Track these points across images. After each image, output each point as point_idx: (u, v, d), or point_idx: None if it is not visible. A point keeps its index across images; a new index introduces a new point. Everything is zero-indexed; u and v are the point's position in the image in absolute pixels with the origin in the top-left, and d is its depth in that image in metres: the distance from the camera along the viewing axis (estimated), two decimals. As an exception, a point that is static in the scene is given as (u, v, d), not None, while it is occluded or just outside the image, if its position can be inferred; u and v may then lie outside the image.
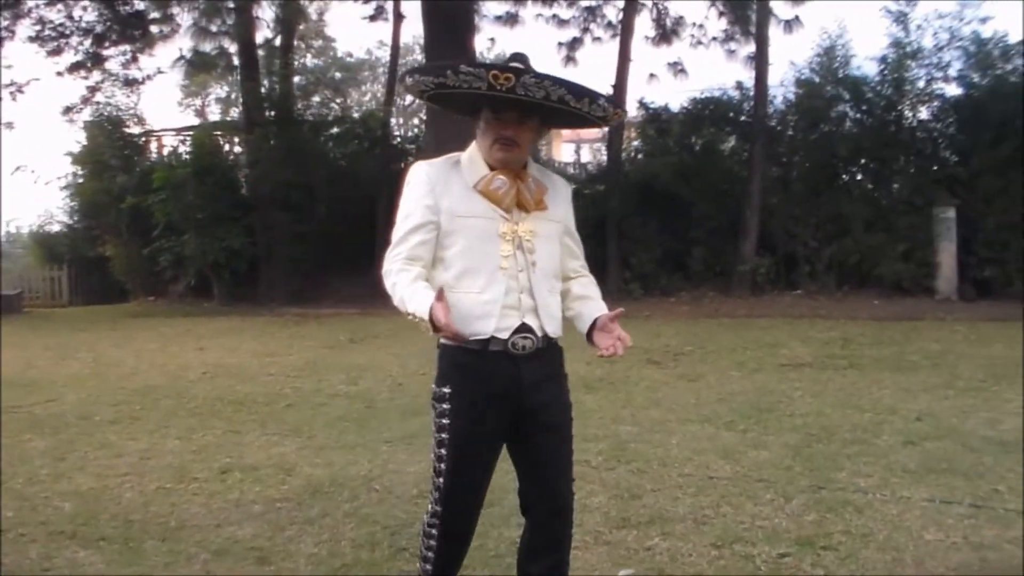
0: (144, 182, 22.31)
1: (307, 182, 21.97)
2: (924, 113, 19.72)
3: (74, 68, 23.24)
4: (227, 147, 24.78)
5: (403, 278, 3.18)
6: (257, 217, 21.97)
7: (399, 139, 25.69)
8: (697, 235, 19.95)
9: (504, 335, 3.22)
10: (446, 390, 3.28)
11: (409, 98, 41.82)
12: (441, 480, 3.32)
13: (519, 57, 3.20)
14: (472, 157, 3.34)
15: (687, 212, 19.95)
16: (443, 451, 3.30)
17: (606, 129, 20.35)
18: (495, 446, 3.37)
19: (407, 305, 3.09)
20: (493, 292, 3.22)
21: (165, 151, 25.71)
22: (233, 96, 27.37)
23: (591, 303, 3.48)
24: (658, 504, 5.36)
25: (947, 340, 12.34)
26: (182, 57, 21.47)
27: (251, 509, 5.49)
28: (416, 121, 32.57)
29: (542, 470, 3.38)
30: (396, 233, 3.31)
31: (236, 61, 22.75)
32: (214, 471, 6.42)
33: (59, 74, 23.29)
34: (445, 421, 3.28)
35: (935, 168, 19.07)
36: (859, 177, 20.41)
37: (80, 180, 25.24)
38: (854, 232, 18.49)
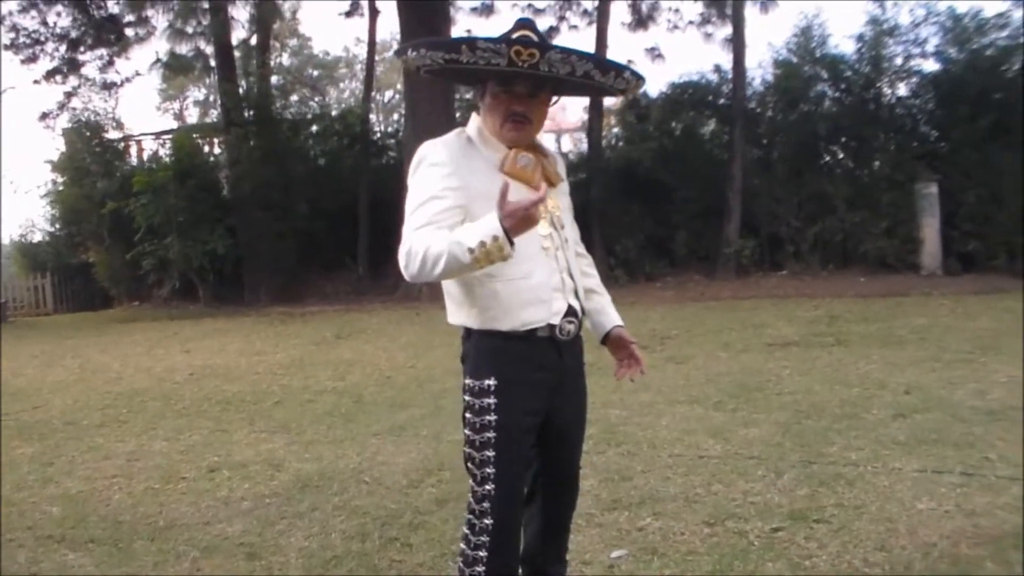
0: (125, 187, 22.21)
1: (287, 181, 21.90)
2: (903, 90, 19.80)
3: (50, 75, 23.12)
4: (207, 149, 24.72)
5: (437, 235, 2.75)
6: (239, 217, 21.89)
7: (379, 135, 25.59)
8: (680, 219, 19.99)
9: (554, 320, 2.97)
10: (490, 382, 2.94)
11: (388, 93, 42.01)
12: (491, 488, 2.95)
13: (527, 23, 2.92)
14: (482, 133, 3.05)
15: (669, 197, 19.99)
16: (489, 453, 2.95)
17: (586, 117, 20.28)
18: (533, 443, 3.09)
19: (465, 243, 2.65)
20: (541, 275, 2.96)
21: (145, 155, 25.59)
22: (211, 98, 27.28)
23: (601, 301, 3.35)
24: (649, 485, 5.33)
25: (933, 314, 12.34)
26: (158, 60, 21.36)
27: (240, 506, 5.45)
28: (396, 116, 32.52)
29: (563, 448, 3.20)
30: (417, 217, 2.86)
31: (213, 62, 22.65)
32: (202, 470, 6.39)
33: (36, 82, 23.19)
34: (491, 418, 2.94)
35: (915, 144, 19.12)
36: (840, 156, 20.44)
37: (60, 187, 25.16)
38: (837, 211, 18.52)
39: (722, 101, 21.32)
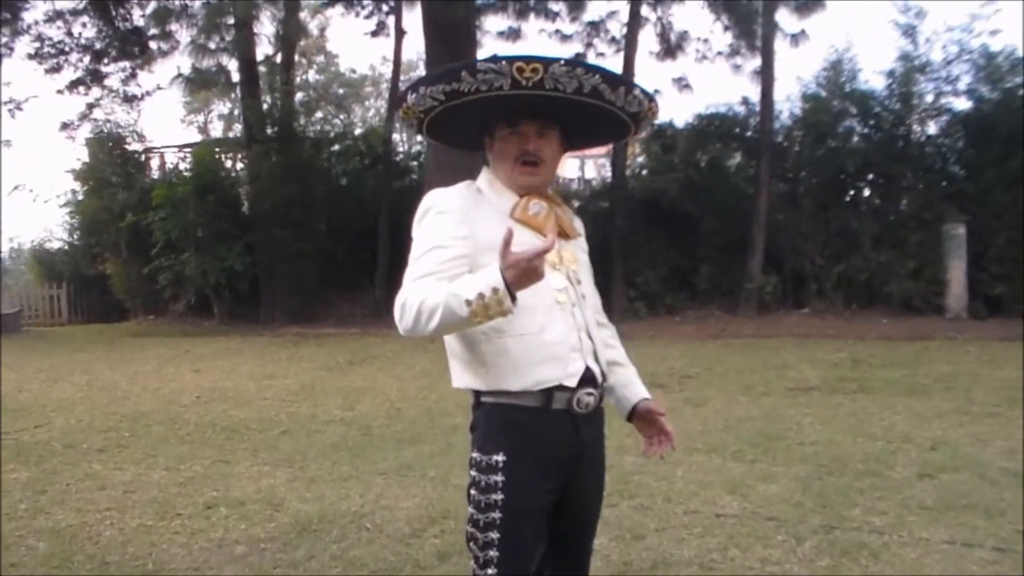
0: (144, 200, 22.09)
1: (308, 200, 21.77)
2: (933, 128, 19.49)
3: (73, 85, 23.11)
4: (229, 164, 24.62)
5: (435, 287, 2.56)
6: (258, 235, 21.76)
7: (401, 156, 25.41)
8: (704, 253, 19.73)
9: (571, 383, 2.70)
10: (498, 458, 2.69)
11: (413, 112, 41.87)
12: (493, 573, 2.70)
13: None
14: (493, 184, 2.87)
15: (694, 229, 19.73)
16: (494, 535, 2.69)
17: (610, 146, 20.03)
18: (544, 524, 2.79)
19: (463, 295, 2.45)
20: (557, 331, 2.71)
21: (167, 167, 25.51)
22: (235, 112, 27.16)
23: (626, 373, 3.06)
24: (662, 546, 5.08)
25: (959, 361, 12.07)
26: (180, 75, 21.26)
27: (234, 550, 5.22)
28: (419, 138, 32.38)
29: (575, 528, 2.91)
30: (420, 267, 2.69)
31: (236, 78, 22.56)
32: (199, 506, 6.16)
33: (59, 92, 23.18)
34: (497, 497, 2.68)
35: (944, 183, 18.80)
36: (867, 193, 20.13)
37: (80, 197, 25.08)
38: (863, 249, 18.24)
39: (749, 134, 21.06)
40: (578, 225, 3.02)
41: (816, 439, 7.80)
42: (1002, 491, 5.94)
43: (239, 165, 24.26)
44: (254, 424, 9.23)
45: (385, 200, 22.02)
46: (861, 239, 18.27)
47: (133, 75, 23.62)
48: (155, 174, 25.25)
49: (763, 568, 4.69)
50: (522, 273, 2.39)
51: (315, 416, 9.63)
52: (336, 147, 24.54)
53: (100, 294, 25.69)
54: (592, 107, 2.72)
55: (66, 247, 27.39)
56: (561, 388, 2.70)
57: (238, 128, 28.22)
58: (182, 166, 24.25)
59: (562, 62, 2.57)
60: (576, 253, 2.93)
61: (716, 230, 19.58)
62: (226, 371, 13.29)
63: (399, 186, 23.20)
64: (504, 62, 2.57)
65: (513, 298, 2.41)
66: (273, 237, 21.42)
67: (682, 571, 4.69)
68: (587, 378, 2.76)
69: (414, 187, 22.12)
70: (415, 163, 24.36)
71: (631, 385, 3.05)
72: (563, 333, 2.72)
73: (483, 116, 2.80)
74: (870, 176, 19.72)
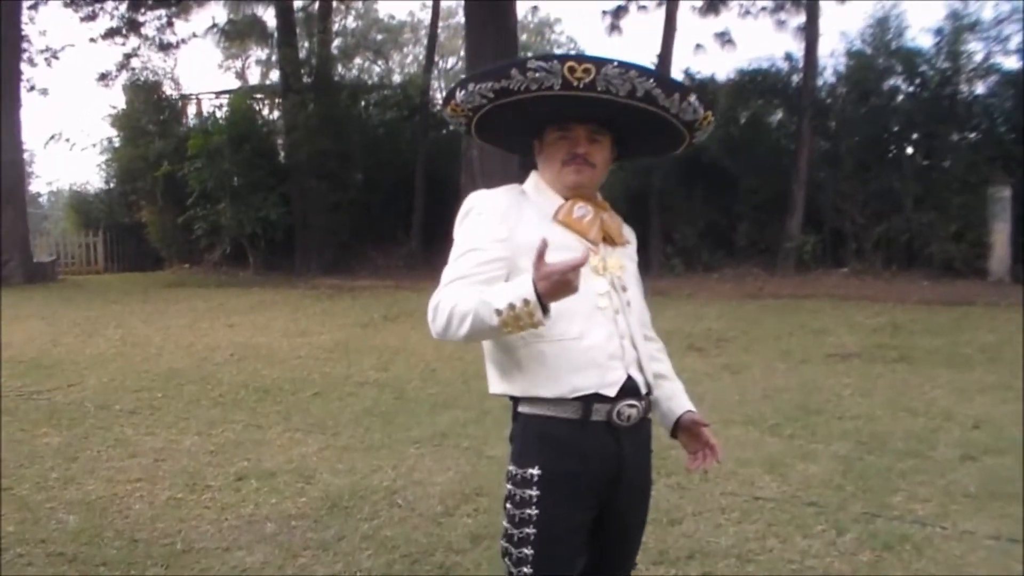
0: (180, 148, 22.10)
1: (344, 150, 21.71)
2: (981, 88, 19.20)
3: (110, 34, 23.01)
4: (266, 111, 24.55)
5: (468, 292, 2.47)
6: (293, 185, 21.71)
7: (438, 106, 25.27)
8: (742, 210, 19.57)
9: (610, 392, 2.56)
10: (533, 471, 2.57)
11: (452, 60, 41.69)
12: None
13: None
14: (539, 186, 2.75)
15: (733, 186, 19.56)
16: (527, 551, 2.57)
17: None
18: (584, 539, 2.66)
19: (493, 304, 2.36)
20: (594, 336, 2.57)
21: (204, 113, 25.46)
22: (273, 58, 27.06)
23: (672, 387, 2.89)
24: (699, 532, 4.95)
25: (1002, 330, 11.86)
26: (214, 25, 21.14)
27: (264, 528, 5.14)
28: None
29: (615, 546, 2.78)
30: (455, 269, 2.58)
31: (273, 26, 22.41)
32: (229, 478, 6.08)
33: (92, 40, 23.10)
34: (531, 512, 2.56)
35: (991, 145, 18.46)
36: (910, 152, 19.82)
37: (116, 145, 25.07)
38: (904, 210, 18.02)
39: (791, 91, 20.75)
40: (627, 232, 2.88)
41: (856, 413, 7.67)
42: (1048, 478, 5.78)
43: (275, 114, 24.19)
44: (287, 385, 9.19)
45: (422, 151, 21.95)
46: (903, 199, 18.05)
47: (169, 23, 23.54)
48: (192, 122, 25.20)
49: (803, 561, 4.56)
50: (555, 285, 2.28)
51: (348, 377, 9.59)
52: (373, 96, 24.39)
53: (136, 243, 25.81)
54: (645, 113, 2.59)
55: (102, 195, 27.43)
56: (600, 398, 2.57)
57: (275, 75, 28.14)
58: (218, 114, 24.19)
59: (616, 63, 2.45)
60: (623, 261, 2.78)
61: (755, 187, 19.39)
62: (260, 326, 13.27)
63: (436, 136, 23.09)
64: (556, 61, 2.47)
65: (545, 310, 2.32)
66: (309, 187, 21.41)
67: (719, 562, 4.56)
68: (629, 388, 2.61)
69: (451, 138, 21.98)
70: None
71: (676, 398, 2.89)
72: (603, 339, 2.59)
73: (533, 117, 2.69)
74: (914, 136, 19.49)
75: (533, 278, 2.29)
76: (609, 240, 2.74)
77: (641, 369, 2.67)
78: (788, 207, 18.94)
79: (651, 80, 2.50)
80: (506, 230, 2.59)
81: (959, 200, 17.55)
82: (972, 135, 18.87)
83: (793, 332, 11.94)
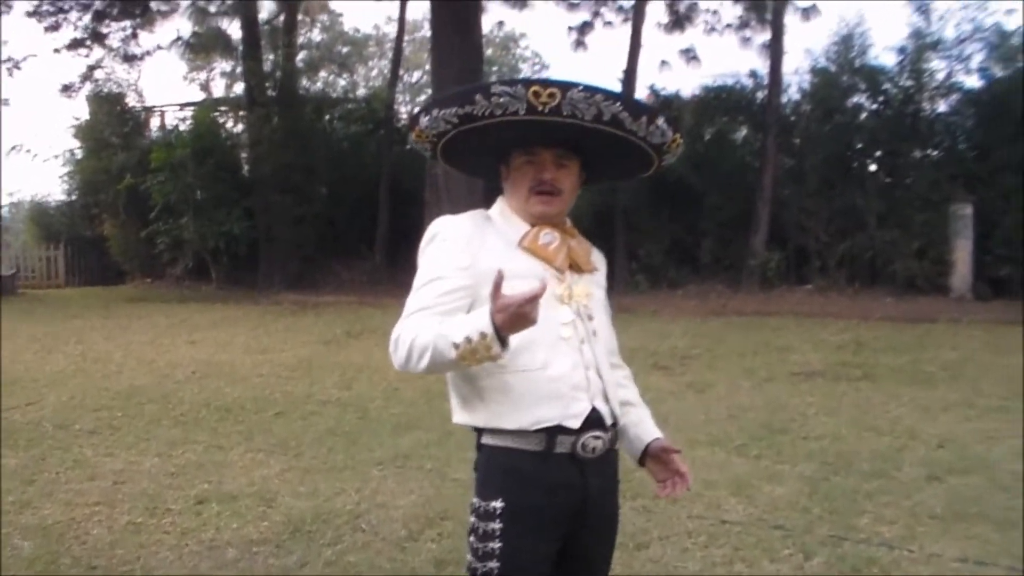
0: (143, 161, 21.95)
1: (309, 163, 21.63)
2: (943, 106, 19.35)
3: (73, 45, 22.82)
4: (230, 124, 24.41)
5: (428, 324, 2.43)
6: (257, 199, 21.59)
7: (403, 120, 25.20)
8: (707, 227, 19.63)
9: (573, 424, 2.52)
10: (496, 505, 2.53)
11: (417, 74, 41.60)
12: None
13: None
14: (504, 212, 2.72)
15: (697, 203, 19.61)
16: None
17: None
18: (548, 572, 2.61)
19: (451, 337, 2.33)
20: (559, 367, 2.53)
21: (168, 126, 25.28)
22: (238, 70, 26.93)
23: (639, 413, 2.85)
24: (666, 557, 4.92)
25: (964, 347, 11.95)
26: (179, 38, 20.99)
27: (225, 554, 5.05)
28: (423, 98, 32.14)
29: None
30: (417, 300, 2.55)
31: (238, 39, 22.29)
32: (190, 501, 5.99)
33: (57, 51, 22.90)
34: (495, 546, 2.52)
35: (952, 163, 18.60)
36: (873, 170, 19.94)
37: (79, 156, 24.86)
38: (868, 227, 18.12)
39: (756, 107, 20.83)
40: (596, 259, 2.83)
41: (821, 432, 7.67)
42: (1013, 498, 5.77)
43: (239, 127, 24.05)
44: (249, 404, 9.09)
45: (386, 165, 21.90)
46: (866, 217, 18.15)
47: (134, 35, 23.36)
48: (155, 134, 25.00)
49: (770, 587, 4.54)
50: (512, 318, 2.24)
51: (311, 396, 9.50)
52: (338, 110, 24.32)
53: (98, 256, 25.57)
54: (613, 137, 2.56)
55: (63, 206, 27.17)
56: (564, 430, 2.53)
57: (240, 87, 28.02)
58: (182, 127, 23.99)
59: (581, 87, 2.42)
60: (590, 288, 2.73)
61: (719, 204, 19.45)
62: (222, 343, 13.15)
63: (400, 151, 22.99)
64: (520, 86, 2.44)
65: (504, 342, 2.28)
66: (273, 201, 21.29)
67: (686, 588, 4.54)
68: (594, 420, 2.57)
69: (416, 153, 21.69)
70: (417, 128, 24.16)
71: (643, 424, 2.84)
72: (567, 369, 2.55)
73: (499, 142, 2.65)
74: (877, 153, 19.61)
75: (490, 310, 2.26)
76: (576, 267, 2.69)
77: (607, 399, 2.63)
78: (752, 224, 19.01)
79: (617, 103, 2.47)
80: (469, 257, 2.56)
81: (921, 217, 17.65)
82: (934, 153, 19.03)
83: (757, 350, 11.95)
